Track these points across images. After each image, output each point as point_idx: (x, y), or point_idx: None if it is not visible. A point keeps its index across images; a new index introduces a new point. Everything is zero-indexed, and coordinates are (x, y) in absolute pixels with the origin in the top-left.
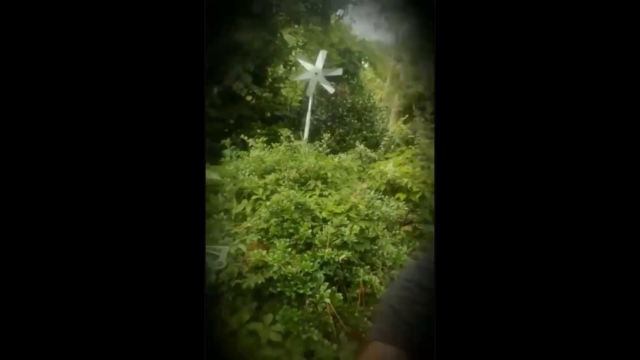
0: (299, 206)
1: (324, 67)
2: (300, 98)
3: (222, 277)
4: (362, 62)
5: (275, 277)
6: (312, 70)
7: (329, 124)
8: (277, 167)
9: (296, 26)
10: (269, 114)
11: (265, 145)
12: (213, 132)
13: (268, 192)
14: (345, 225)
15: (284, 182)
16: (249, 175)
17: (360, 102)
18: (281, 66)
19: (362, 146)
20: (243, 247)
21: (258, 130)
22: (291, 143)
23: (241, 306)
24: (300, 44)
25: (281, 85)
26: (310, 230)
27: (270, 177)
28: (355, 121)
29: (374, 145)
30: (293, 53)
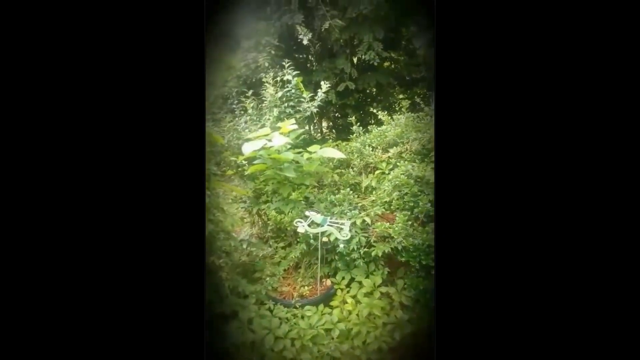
0: (418, 179)
1: None
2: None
3: (352, 245)
4: None
5: (399, 247)
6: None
7: None
8: (399, 140)
9: None
10: (407, 78)
11: (389, 117)
12: (356, 103)
13: (391, 166)
14: None
15: (406, 155)
16: (373, 150)
17: None
18: (412, 27)
19: None
20: (368, 219)
21: (400, 97)
22: (415, 113)
23: (374, 270)
24: None
25: (416, 45)
26: (428, 204)
27: (393, 151)
28: None
29: None
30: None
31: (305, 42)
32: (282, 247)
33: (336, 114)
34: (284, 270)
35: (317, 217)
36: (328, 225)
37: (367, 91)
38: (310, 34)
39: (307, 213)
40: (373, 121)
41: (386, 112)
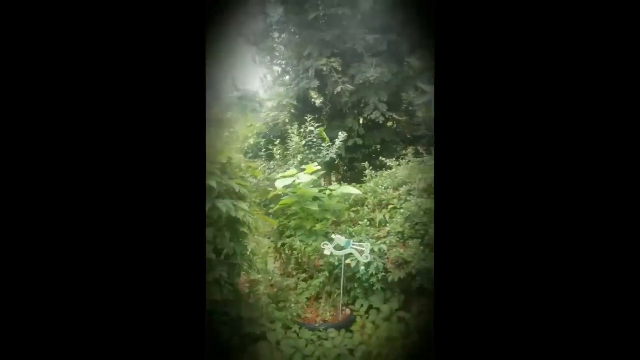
0: (427, 211)
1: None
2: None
3: (371, 270)
4: None
5: (413, 272)
6: (431, 91)
7: None
8: (407, 180)
9: (420, 52)
10: (408, 135)
11: (397, 162)
12: (362, 157)
13: (402, 201)
14: None
15: (414, 192)
16: (385, 189)
17: None
18: (410, 92)
19: None
20: (384, 247)
21: (403, 152)
22: (419, 158)
23: (390, 297)
24: (429, 64)
25: (416, 107)
26: None
27: (402, 189)
28: None
29: None
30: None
31: (317, 104)
32: (304, 280)
33: (344, 167)
34: (307, 298)
35: (341, 240)
36: (351, 247)
37: (372, 147)
38: (322, 97)
39: (332, 236)
40: (383, 167)
41: (393, 158)
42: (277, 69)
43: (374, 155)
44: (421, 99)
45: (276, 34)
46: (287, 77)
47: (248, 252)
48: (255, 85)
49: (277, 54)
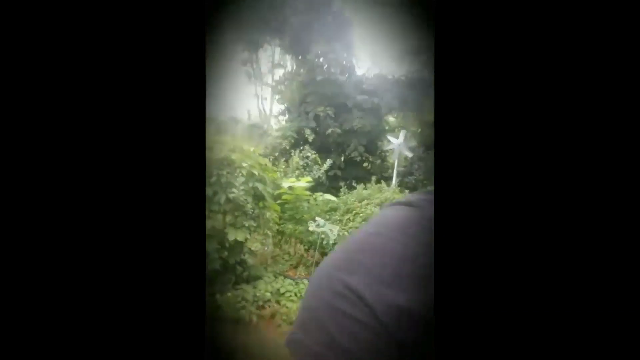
0: None
1: (405, 139)
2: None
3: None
4: None
5: None
6: (396, 142)
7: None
8: (369, 198)
9: (395, 113)
10: (379, 175)
11: (364, 187)
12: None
13: (362, 209)
14: None
15: (372, 204)
16: (352, 201)
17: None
18: (385, 141)
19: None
20: (347, 233)
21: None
22: (378, 184)
23: None
24: (400, 124)
25: (387, 153)
26: None
27: (364, 202)
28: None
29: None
30: (396, 131)
31: (310, 140)
32: (288, 253)
33: (327, 184)
34: (290, 265)
35: (321, 221)
36: (326, 227)
37: (348, 182)
38: (315, 134)
39: (316, 218)
40: (353, 188)
41: (362, 184)
42: (282, 107)
43: (348, 182)
44: (389, 147)
45: (287, 82)
46: (287, 116)
47: (266, 216)
48: (264, 118)
49: (279, 96)
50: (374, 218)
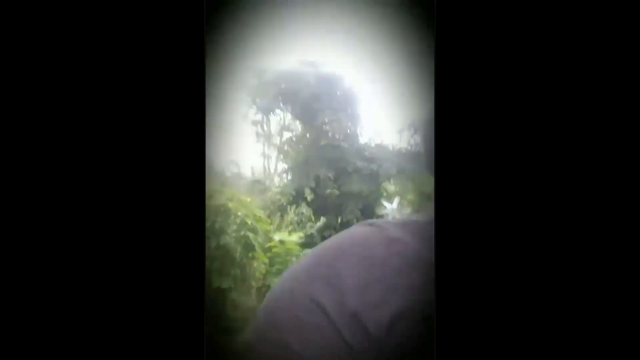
0: None
1: (398, 205)
2: None
3: None
4: None
5: None
6: (390, 207)
7: None
8: None
9: (392, 181)
10: None
11: None
12: None
13: None
14: None
15: None
16: None
17: None
18: (381, 206)
19: None
20: None
21: None
22: None
23: None
24: (397, 191)
25: (381, 217)
26: None
27: None
28: None
29: None
30: (392, 197)
31: (309, 199)
32: None
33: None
34: None
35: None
36: None
37: None
38: (314, 194)
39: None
40: None
41: None
42: (285, 166)
43: None
44: (384, 212)
45: (293, 145)
46: (289, 175)
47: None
48: (267, 175)
49: (283, 156)
50: (337, 234)
